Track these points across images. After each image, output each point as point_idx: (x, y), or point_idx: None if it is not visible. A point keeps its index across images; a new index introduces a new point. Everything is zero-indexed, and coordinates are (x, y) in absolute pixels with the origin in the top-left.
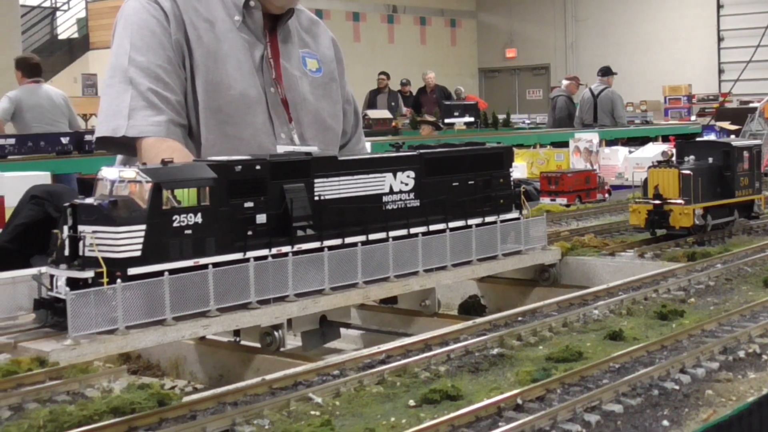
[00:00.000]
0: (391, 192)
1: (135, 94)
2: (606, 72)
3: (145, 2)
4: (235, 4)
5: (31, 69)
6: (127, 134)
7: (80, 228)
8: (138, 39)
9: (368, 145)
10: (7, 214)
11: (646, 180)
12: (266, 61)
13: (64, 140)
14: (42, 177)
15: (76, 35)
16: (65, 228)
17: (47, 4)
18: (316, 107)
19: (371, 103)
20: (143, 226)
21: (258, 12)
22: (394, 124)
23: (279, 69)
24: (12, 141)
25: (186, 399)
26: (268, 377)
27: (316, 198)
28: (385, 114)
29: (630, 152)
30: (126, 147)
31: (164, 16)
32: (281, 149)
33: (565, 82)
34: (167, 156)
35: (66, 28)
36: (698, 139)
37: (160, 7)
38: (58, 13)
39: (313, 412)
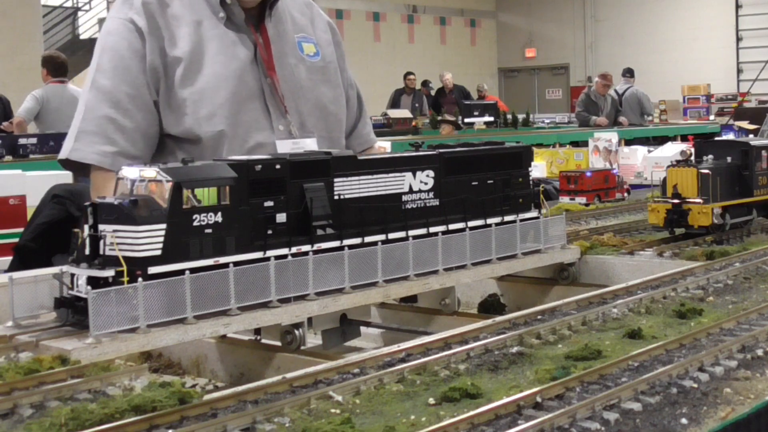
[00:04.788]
0: (411, 191)
1: (88, 117)
2: (632, 72)
3: (121, 22)
4: (217, 2)
5: (57, 67)
6: (69, 157)
7: (101, 227)
8: (106, 61)
9: (388, 145)
10: (29, 213)
11: (664, 179)
12: (258, 52)
13: None
14: (64, 176)
15: (97, 35)
16: (86, 227)
17: (69, 4)
18: (315, 94)
19: (395, 102)
20: (163, 226)
21: (236, 6)
22: (414, 123)
23: (272, 59)
24: (34, 140)
25: (207, 397)
26: (289, 375)
27: (336, 197)
28: (405, 113)
29: (649, 151)
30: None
31: (139, 38)
32: (279, 144)
33: (596, 80)
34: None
35: (87, 28)
36: (717, 138)
37: (135, 28)
38: (79, 13)
39: (333, 410)
